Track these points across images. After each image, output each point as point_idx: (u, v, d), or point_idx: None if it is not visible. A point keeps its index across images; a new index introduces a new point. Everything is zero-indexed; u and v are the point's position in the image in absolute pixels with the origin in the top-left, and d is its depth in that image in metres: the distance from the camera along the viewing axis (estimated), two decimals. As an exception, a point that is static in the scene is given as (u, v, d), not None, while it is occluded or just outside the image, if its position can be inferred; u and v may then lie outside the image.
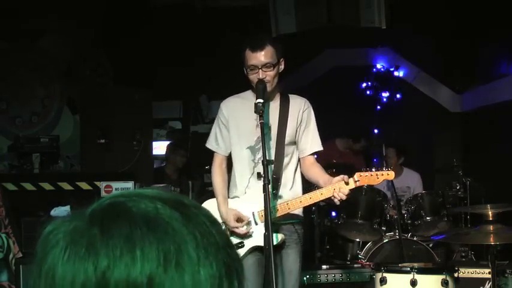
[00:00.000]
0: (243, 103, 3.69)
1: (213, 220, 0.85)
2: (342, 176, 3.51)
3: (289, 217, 3.66)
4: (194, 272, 0.77)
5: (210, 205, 3.65)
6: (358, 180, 3.52)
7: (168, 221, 0.79)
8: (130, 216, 0.78)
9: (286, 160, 3.69)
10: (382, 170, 3.60)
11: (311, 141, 3.75)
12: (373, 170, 3.58)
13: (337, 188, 3.47)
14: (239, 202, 3.70)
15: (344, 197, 3.47)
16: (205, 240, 0.80)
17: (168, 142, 7.54)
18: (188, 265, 0.77)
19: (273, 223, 3.54)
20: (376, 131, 8.28)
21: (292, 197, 3.64)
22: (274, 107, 3.71)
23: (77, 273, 0.75)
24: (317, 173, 3.71)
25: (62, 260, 0.77)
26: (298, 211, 3.73)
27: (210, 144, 3.82)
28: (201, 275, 0.77)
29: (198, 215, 0.83)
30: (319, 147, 3.79)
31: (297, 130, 3.72)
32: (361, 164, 6.04)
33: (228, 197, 3.75)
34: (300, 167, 3.79)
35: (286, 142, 3.67)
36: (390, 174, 3.61)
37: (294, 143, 3.74)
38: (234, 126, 3.72)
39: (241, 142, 3.70)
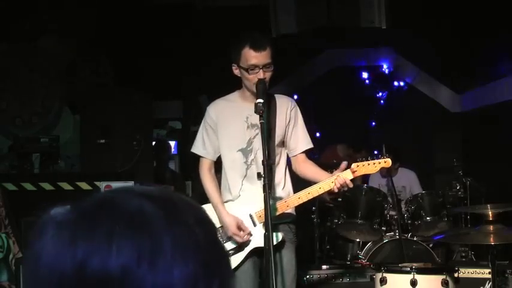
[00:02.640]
0: (231, 105, 3.65)
1: (200, 219, 0.86)
2: (340, 166, 3.45)
3: (284, 216, 3.63)
4: (167, 271, 0.79)
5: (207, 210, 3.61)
6: (356, 170, 3.46)
7: (149, 219, 0.81)
8: (115, 212, 0.81)
9: (276, 160, 3.65)
10: (379, 159, 3.51)
11: (301, 139, 3.71)
12: (370, 158, 3.51)
13: (336, 180, 3.41)
14: (234, 205, 3.64)
15: (344, 185, 3.39)
16: (184, 240, 0.81)
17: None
18: (162, 264, 0.78)
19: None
20: (375, 132, 8.28)
21: (286, 196, 3.61)
22: None
23: (57, 261, 0.79)
24: (315, 170, 3.67)
25: (47, 248, 0.80)
26: (291, 210, 3.69)
27: (197, 149, 3.74)
28: (174, 275, 0.79)
29: (182, 214, 0.84)
30: (309, 144, 3.74)
31: (285, 129, 3.68)
32: None
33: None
34: (292, 166, 3.75)
35: (276, 142, 3.63)
36: (387, 162, 3.52)
37: (283, 143, 3.71)
38: (223, 129, 3.67)
39: (231, 145, 3.64)
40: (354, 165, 3.47)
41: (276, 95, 3.75)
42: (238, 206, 3.63)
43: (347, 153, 7.18)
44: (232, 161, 3.64)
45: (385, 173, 6.08)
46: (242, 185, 3.61)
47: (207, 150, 3.71)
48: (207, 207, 3.65)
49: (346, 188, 3.47)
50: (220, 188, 3.72)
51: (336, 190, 3.46)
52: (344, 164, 3.46)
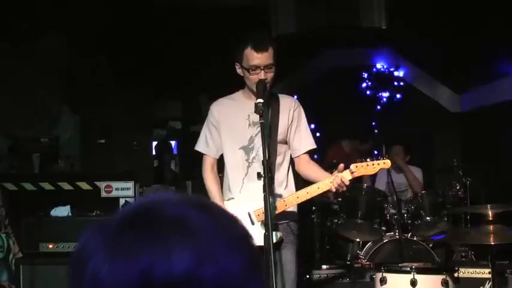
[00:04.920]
0: (233, 104, 3.67)
1: (232, 217, 0.93)
2: (338, 167, 3.44)
3: (284, 216, 3.61)
4: (228, 266, 0.85)
5: None
6: (355, 171, 3.43)
7: (197, 223, 0.86)
8: (164, 221, 0.86)
9: (279, 159, 3.66)
10: (378, 160, 3.49)
11: (304, 140, 3.71)
12: (369, 159, 3.48)
13: (334, 180, 3.40)
14: (234, 203, 3.64)
15: (342, 185, 3.37)
16: (232, 235, 0.88)
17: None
18: (221, 262, 0.85)
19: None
20: (376, 131, 8.29)
21: (287, 195, 3.60)
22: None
23: (121, 275, 0.82)
24: (317, 170, 3.65)
25: (104, 265, 0.83)
26: (293, 209, 3.68)
27: (200, 147, 3.78)
28: (233, 268, 0.86)
29: (221, 215, 0.91)
30: (312, 145, 3.74)
31: (288, 129, 3.69)
32: None
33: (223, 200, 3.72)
34: (295, 166, 3.75)
35: (278, 141, 3.64)
36: (386, 163, 3.49)
37: (286, 142, 3.71)
38: (226, 128, 3.69)
39: (233, 143, 3.67)
40: (352, 166, 3.44)
41: (279, 95, 3.75)
42: (238, 204, 3.61)
43: (353, 147, 7.12)
44: (234, 159, 3.66)
45: (398, 169, 6.28)
46: (243, 183, 3.61)
47: (210, 148, 3.74)
48: None
49: (344, 188, 3.44)
50: (222, 187, 3.73)
51: (334, 190, 3.45)
52: (341, 165, 3.44)
